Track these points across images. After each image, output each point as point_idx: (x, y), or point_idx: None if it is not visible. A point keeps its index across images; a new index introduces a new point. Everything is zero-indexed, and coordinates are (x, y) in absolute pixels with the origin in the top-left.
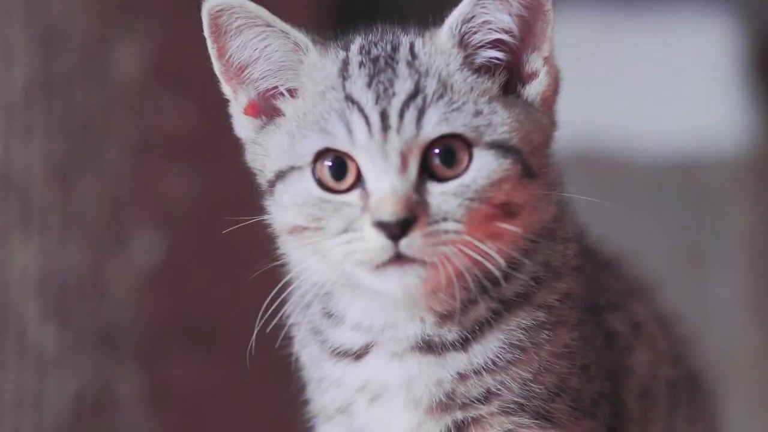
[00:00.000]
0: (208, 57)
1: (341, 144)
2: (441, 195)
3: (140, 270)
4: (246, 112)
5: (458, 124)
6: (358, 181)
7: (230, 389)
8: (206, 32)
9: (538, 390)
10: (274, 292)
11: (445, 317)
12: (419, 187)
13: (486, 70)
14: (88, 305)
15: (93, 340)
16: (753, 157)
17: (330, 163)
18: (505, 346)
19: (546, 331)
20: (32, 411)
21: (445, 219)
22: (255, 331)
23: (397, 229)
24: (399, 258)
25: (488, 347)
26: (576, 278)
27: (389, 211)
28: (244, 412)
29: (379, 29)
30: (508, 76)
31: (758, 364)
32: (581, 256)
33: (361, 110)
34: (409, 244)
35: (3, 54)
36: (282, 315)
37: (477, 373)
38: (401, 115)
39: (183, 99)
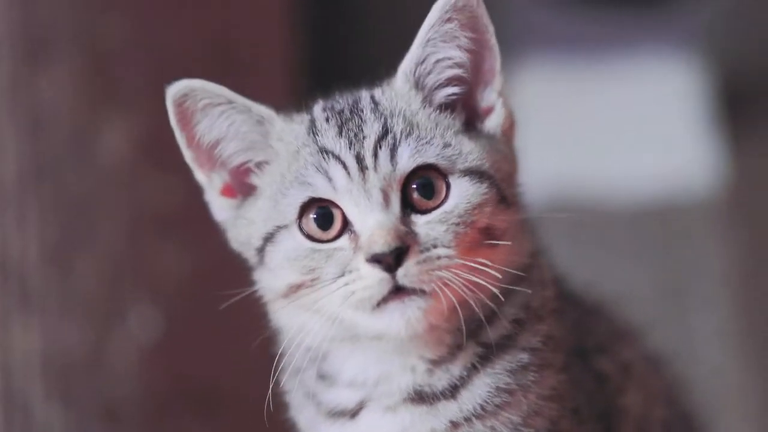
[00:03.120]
0: None
1: (323, 192)
2: (426, 224)
3: (139, 345)
4: (223, 193)
5: (430, 155)
6: (345, 226)
7: None
8: (173, 121)
9: None
10: (268, 360)
11: (435, 363)
12: (404, 220)
13: (446, 107)
14: (90, 382)
15: (97, 416)
16: (724, 196)
17: (315, 215)
18: (492, 390)
19: (532, 373)
20: None
21: (435, 246)
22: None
23: (391, 259)
24: (398, 291)
25: (476, 393)
26: (557, 321)
27: (381, 243)
28: None
29: (337, 93)
30: (466, 116)
31: (743, 398)
32: (561, 300)
33: (337, 157)
34: (405, 273)
35: None
36: (275, 380)
37: (468, 420)
38: (375, 155)
39: (170, 176)
